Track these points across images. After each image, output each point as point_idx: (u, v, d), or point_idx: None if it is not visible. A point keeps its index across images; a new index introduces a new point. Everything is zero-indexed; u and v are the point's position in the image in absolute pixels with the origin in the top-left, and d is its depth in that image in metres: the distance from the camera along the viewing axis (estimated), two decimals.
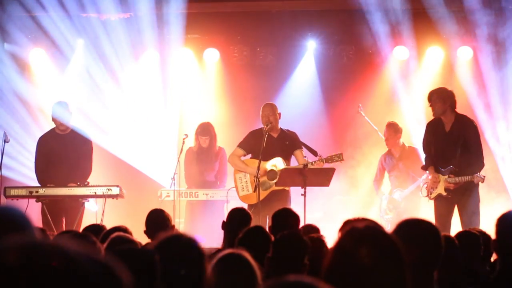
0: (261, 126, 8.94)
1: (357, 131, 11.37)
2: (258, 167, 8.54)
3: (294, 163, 9.06)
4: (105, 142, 11.38)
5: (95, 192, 8.90)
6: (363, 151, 11.16)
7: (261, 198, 8.59)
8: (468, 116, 8.51)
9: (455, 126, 8.12)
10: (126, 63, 11.67)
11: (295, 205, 8.24)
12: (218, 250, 4.36)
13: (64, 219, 9.00)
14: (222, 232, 5.69)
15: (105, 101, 11.75)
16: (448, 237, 4.29)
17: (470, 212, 7.96)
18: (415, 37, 11.23)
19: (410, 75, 11.55)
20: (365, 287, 2.12)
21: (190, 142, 10.29)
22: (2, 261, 1.22)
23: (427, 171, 8.54)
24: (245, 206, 8.47)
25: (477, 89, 11.04)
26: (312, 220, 8.73)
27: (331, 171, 8.51)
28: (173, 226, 5.76)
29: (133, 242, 4.00)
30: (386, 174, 10.29)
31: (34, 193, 8.88)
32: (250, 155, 9.05)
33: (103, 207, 8.96)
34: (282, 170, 8.65)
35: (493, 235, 3.67)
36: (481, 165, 8.05)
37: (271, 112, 8.95)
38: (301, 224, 5.76)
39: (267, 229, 8.32)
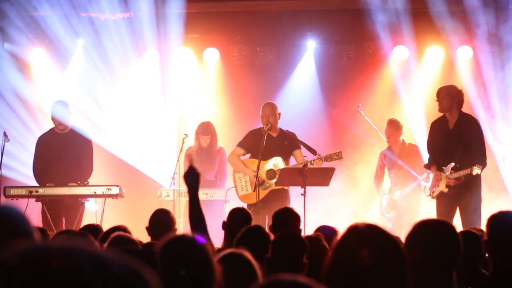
0: (261, 125, 8.94)
1: (356, 130, 11.37)
2: (258, 166, 8.54)
3: (293, 163, 9.06)
4: (104, 142, 11.37)
5: (95, 192, 8.90)
6: (363, 151, 11.15)
7: (260, 197, 8.59)
8: (472, 115, 8.56)
9: (459, 124, 8.16)
10: (126, 62, 11.66)
11: (294, 205, 8.22)
12: (218, 250, 4.36)
13: (64, 219, 8.99)
14: (222, 231, 5.69)
15: (104, 100, 11.75)
16: None
17: (471, 211, 7.96)
18: (415, 36, 11.23)
19: (410, 74, 11.54)
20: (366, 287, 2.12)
21: (190, 142, 10.29)
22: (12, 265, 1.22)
23: (428, 170, 8.56)
24: (245, 205, 8.47)
25: (477, 88, 11.03)
26: (311, 220, 8.76)
27: (331, 171, 8.51)
28: (175, 229, 5.77)
29: (133, 242, 4.00)
30: (386, 172, 10.29)
31: (33, 193, 8.87)
32: (249, 155, 9.06)
33: (103, 206, 8.96)
34: (282, 170, 8.65)
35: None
36: (484, 163, 8.04)
37: (271, 112, 8.94)
38: (301, 224, 5.75)
39: (266, 229, 8.33)
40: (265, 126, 8.78)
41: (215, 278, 2.60)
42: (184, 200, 10.03)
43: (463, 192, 8.05)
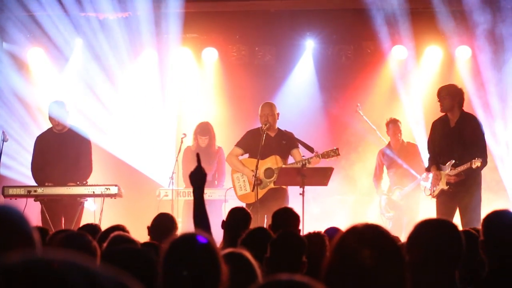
0: (259, 125, 8.94)
1: (355, 130, 11.37)
2: (257, 166, 8.54)
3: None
4: (103, 142, 11.37)
5: (94, 192, 8.89)
6: (361, 150, 11.17)
7: (258, 196, 8.59)
8: (473, 114, 8.57)
9: (460, 123, 8.16)
10: (125, 62, 11.66)
11: (292, 204, 8.22)
12: None
13: (63, 219, 8.99)
14: (221, 231, 5.69)
15: (103, 100, 11.74)
16: None
17: (471, 210, 7.96)
18: (413, 36, 11.23)
19: (409, 74, 11.54)
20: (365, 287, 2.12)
21: (188, 141, 10.28)
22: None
23: (429, 172, 8.56)
24: (244, 205, 8.48)
25: (475, 88, 11.03)
26: (309, 220, 8.76)
27: (329, 171, 8.50)
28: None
29: (133, 242, 4.00)
30: (385, 170, 10.30)
31: (32, 193, 8.86)
32: (247, 155, 9.06)
33: (102, 206, 8.95)
34: (281, 170, 8.65)
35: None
36: (484, 159, 8.04)
37: (269, 111, 8.94)
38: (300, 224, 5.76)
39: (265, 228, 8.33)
40: (263, 125, 8.78)
41: (220, 278, 2.60)
42: (183, 200, 10.03)
43: (463, 192, 8.06)
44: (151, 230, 5.67)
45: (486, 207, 7.94)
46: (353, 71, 11.78)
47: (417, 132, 10.92)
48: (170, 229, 5.57)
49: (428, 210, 8.79)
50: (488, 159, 8.27)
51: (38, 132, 9.83)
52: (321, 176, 8.53)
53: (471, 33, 11.01)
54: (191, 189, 9.97)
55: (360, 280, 2.10)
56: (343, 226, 5.53)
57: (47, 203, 8.90)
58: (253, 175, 8.61)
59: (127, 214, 10.50)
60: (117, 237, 3.97)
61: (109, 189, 8.90)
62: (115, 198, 9.04)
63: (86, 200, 9.17)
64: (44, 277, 1.23)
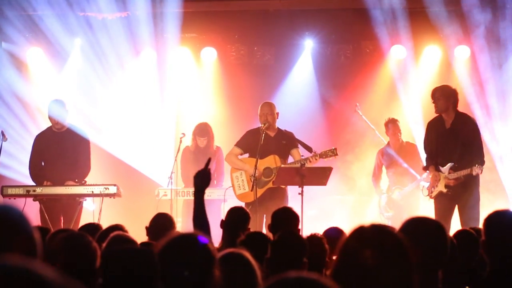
0: (259, 125, 8.93)
1: (354, 130, 11.37)
2: (256, 166, 8.54)
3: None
4: (102, 141, 11.37)
5: (93, 191, 8.89)
6: (360, 150, 11.17)
7: (257, 195, 8.58)
8: (468, 114, 8.56)
9: (456, 123, 8.16)
10: (123, 62, 11.66)
11: (291, 204, 8.22)
12: (217, 250, 4.36)
13: (62, 218, 8.98)
14: (219, 231, 5.69)
15: (102, 100, 11.75)
16: None
17: (469, 208, 7.97)
18: (412, 36, 11.24)
19: (408, 74, 11.55)
20: None
21: (187, 141, 10.28)
22: None
23: (427, 171, 8.56)
24: (243, 204, 8.48)
25: (474, 88, 11.04)
26: (308, 219, 8.76)
27: (328, 170, 8.50)
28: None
29: (132, 242, 4.00)
30: (384, 170, 10.31)
31: (31, 192, 8.86)
32: (247, 155, 9.06)
33: (100, 206, 8.95)
34: (280, 169, 8.64)
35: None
36: (482, 162, 8.05)
37: (269, 111, 8.94)
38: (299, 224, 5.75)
39: (264, 228, 8.33)
40: (263, 125, 8.78)
41: (214, 280, 2.60)
42: (182, 199, 10.03)
43: (461, 191, 8.06)
44: (150, 230, 5.68)
45: (486, 207, 7.95)
46: (352, 71, 11.78)
47: (416, 132, 10.92)
48: (168, 229, 5.57)
49: (428, 210, 8.79)
50: (487, 159, 8.27)
51: (37, 132, 9.83)
52: (320, 176, 8.52)
53: (469, 33, 11.02)
54: (190, 189, 9.97)
55: (366, 281, 2.10)
56: (343, 226, 5.54)
57: (46, 202, 8.90)
58: (251, 175, 8.61)
59: (126, 214, 10.50)
60: (116, 237, 3.97)
61: (108, 188, 8.90)
62: (114, 198, 9.04)
63: (85, 200, 9.17)
64: None
